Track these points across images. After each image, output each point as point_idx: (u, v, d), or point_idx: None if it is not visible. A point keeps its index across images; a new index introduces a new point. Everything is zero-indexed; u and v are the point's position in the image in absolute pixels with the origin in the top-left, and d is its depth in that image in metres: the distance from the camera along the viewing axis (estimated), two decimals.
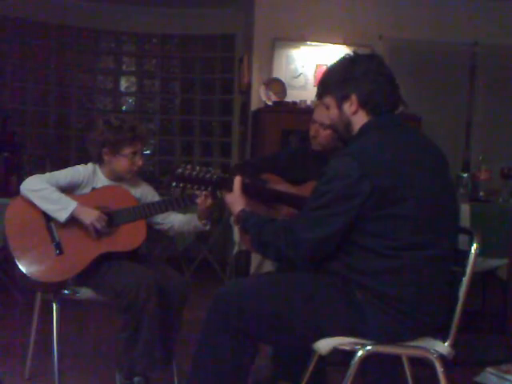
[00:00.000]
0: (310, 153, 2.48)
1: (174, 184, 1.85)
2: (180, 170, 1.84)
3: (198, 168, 1.86)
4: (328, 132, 2.32)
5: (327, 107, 1.74)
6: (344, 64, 1.72)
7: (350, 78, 1.68)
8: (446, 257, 1.66)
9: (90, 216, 2.17)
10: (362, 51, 1.84)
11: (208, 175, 1.86)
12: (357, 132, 1.70)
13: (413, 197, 1.58)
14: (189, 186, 1.85)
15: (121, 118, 2.31)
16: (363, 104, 1.68)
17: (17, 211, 2.24)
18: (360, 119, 1.69)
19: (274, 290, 1.68)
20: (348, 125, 1.71)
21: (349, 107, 1.69)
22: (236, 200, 1.84)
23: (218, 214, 4.04)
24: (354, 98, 1.68)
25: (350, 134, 1.72)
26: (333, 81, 1.72)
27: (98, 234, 2.20)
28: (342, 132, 1.75)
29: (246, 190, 1.87)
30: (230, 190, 1.88)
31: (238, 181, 1.86)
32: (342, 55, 1.75)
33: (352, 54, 1.74)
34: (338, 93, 1.70)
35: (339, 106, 1.71)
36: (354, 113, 1.69)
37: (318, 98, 1.79)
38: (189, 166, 1.85)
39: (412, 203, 1.58)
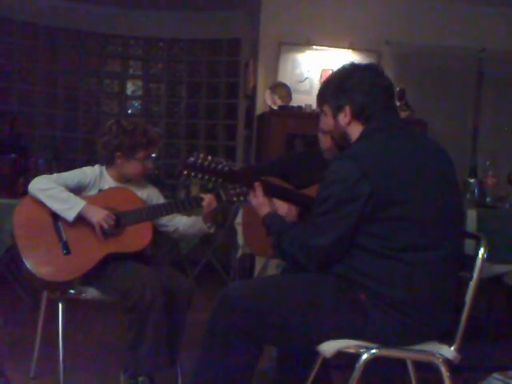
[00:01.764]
0: (314, 157, 2.48)
1: (185, 172, 1.85)
2: (192, 159, 1.85)
3: (209, 158, 1.86)
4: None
5: (325, 114, 1.76)
6: (340, 75, 1.73)
7: (344, 89, 1.69)
8: (451, 259, 1.64)
9: (97, 215, 2.18)
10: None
11: (219, 166, 1.86)
12: (359, 135, 1.70)
13: (414, 198, 1.58)
14: (199, 175, 1.85)
15: (133, 122, 2.31)
16: (357, 116, 1.69)
17: (25, 211, 2.24)
18: (355, 129, 1.70)
19: (278, 291, 1.68)
20: (344, 134, 1.73)
21: (343, 118, 1.71)
22: (260, 203, 1.87)
23: (222, 216, 4.04)
24: (347, 109, 1.69)
25: (347, 143, 1.73)
26: (329, 91, 1.74)
27: (105, 235, 2.20)
28: (338, 140, 1.77)
29: (268, 191, 1.89)
30: (238, 183, 1.89)
31: (258, 185, 1.89)
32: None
33: (350, 64, 1.76)
34: (333, 103, 1.72)
35: (334, 116, 1.73)
36: (348, 124, 1.70)
37: (319, 105, 1.81)
38: (201, 155, 1.86)
39: (413, 205, 1.58)
